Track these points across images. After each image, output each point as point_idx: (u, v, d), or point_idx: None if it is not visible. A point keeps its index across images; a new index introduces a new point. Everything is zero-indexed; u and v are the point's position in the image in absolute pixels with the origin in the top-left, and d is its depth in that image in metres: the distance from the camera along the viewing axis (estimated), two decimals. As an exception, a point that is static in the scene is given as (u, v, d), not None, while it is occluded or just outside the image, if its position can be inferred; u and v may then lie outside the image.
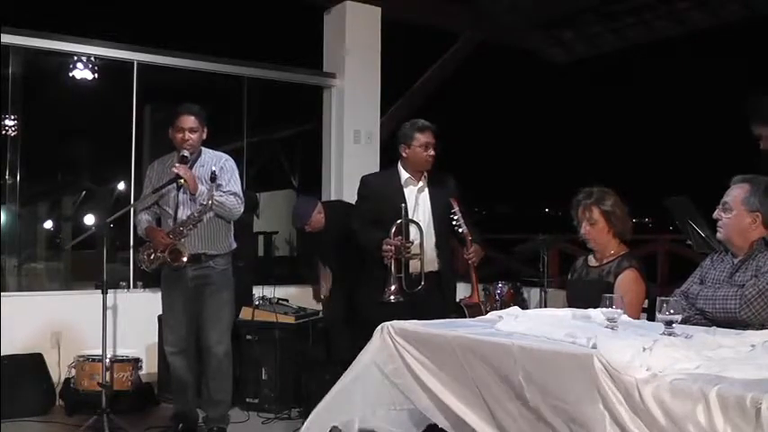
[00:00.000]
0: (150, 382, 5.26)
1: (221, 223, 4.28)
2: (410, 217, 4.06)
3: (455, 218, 4.10)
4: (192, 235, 4.18)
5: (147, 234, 4.28)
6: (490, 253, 4.31)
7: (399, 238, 3.97)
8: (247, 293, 5.52)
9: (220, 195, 4.15)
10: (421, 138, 4.13)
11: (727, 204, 3.01)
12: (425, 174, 4.21)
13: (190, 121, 4.17)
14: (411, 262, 4.02)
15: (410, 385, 2.67)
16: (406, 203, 4.07)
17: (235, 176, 4.30)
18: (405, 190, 4.18)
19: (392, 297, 3.92)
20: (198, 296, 4.25)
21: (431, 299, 4.00)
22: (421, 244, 4.04)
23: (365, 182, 4.44)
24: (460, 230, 4.10)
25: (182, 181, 4.06)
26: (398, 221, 3.98)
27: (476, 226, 4.26)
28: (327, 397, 2.81)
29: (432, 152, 4.14)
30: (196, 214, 4.14)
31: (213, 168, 4.16)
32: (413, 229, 4.04)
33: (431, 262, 4.12)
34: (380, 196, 4.19)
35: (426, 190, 4.21)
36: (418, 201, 4.17)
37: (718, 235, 3.06)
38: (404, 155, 4.19)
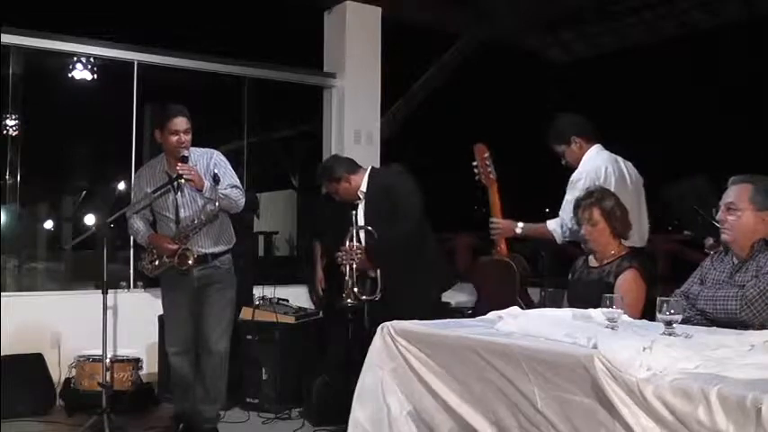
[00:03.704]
0: (150, 382, 5.25)
1: (222, 218, 4.26)
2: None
3: (488, 163, 4.15)
4: (195, 236, 4.16)
5: (151, 242, 4.24)
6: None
7: (352, 244, 4.09)
8: (247, 293, 5.52)
9: (224, 189, 4.14)
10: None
11: (734, 205, 2.97)
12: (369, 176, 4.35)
13: (184, 122, 4.12)
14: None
15: (411, 384, 2.68)
16: (357, 211, 4.22)
17: (229, 169, 4.27)
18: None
19: (348, 301, 4.03)
20: (202, 295, 4.24)
21: (389, 302, 4.07)
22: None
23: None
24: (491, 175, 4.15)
25: (182, 180, 4.04)
26: (351, 228, 4.13)
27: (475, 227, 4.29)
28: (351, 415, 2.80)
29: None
30: (203, 218, 4.11)
31: (215, 171, 4.16)
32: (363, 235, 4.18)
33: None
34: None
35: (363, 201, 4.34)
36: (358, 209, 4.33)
37: (724, 237, 3.01)
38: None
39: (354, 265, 4.10)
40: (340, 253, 4.12)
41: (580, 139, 4.10)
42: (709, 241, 3.56)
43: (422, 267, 4.26)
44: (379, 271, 4.15)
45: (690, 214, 3.91)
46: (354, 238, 4.14)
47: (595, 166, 3.98)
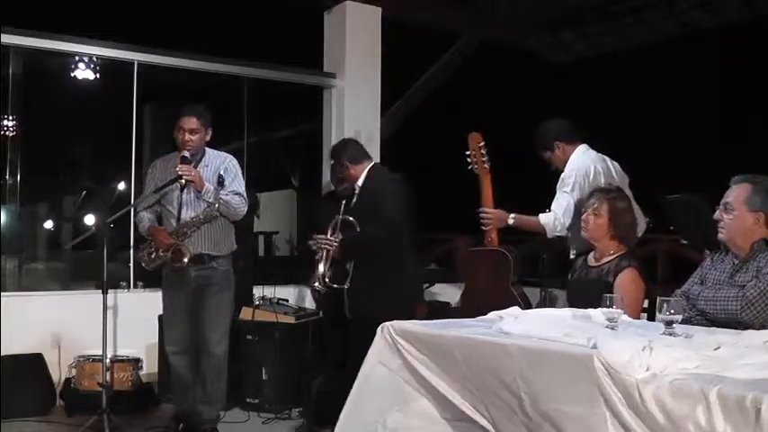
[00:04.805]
0: (150, 382, 5.26)
1: (225, 224, 4.29)
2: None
3: (483, 152, 4.13)
4: (195, 236, 4.18)
5: (150, 233, 4.29)
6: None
7: (332, 233, 4.20)
8: (247, 293, 5.52)
9: (225, 194, 4.16)
10: None
11: (729, 205, 2.99)
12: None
13: (191, 122, 4.18)
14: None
15: (412, 382, 2.68)
16: (347, 202, 4.29)
17: (238, 177, 4.32)
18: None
19: (316, 285, 4.15)
20: (200, 296, 4.25)
21: (356, 295, 4.15)
22: None
23: None
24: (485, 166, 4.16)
25: (182, 181, 4.06)
26: (336, 217, 4.20)
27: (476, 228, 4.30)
28: (344, 410, 2.81)
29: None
30: (201, 216, 4.14)
31: (221, 172, 4.18)
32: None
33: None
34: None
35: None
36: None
37: (720, 236, 3.04)
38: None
39: (330, 253, 4.17)
40: (318, 237, 4.21)
41: (563, 143, 4.19)
42: (707, 254, 3.58)
43: (391, 272, 4.19)
44: (352, 263, 4.20)
45: (687, 228, 3.95)
46: (337, 228, 4.22)
47: (585, 164, 4.06)
